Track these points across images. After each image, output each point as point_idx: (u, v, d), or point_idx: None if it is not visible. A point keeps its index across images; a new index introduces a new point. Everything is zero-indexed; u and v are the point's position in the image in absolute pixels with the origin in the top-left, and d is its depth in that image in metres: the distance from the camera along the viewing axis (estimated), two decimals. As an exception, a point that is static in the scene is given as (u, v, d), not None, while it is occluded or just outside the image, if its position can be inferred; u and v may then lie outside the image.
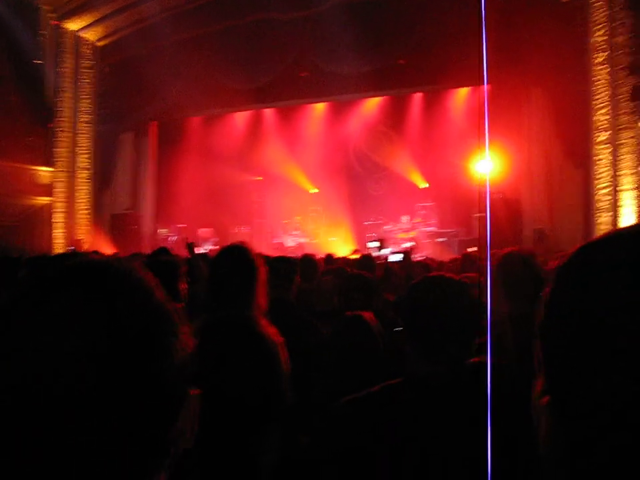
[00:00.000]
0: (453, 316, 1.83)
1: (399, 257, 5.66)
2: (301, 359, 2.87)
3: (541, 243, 12.28)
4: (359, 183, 17.89)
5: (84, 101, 17.10)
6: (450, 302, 1.84)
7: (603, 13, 12.05)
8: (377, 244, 8.25)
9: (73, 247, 13.88)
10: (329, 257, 7.68)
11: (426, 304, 1.89)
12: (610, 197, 12.06)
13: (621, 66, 11.80)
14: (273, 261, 3.98)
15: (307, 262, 4.96)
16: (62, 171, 16.83)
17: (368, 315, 3.02)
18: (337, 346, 2.95)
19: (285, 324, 3.13)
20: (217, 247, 14.91)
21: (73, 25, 16.71)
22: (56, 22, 16.56)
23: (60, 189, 16.78)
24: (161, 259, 3.74)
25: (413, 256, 12.78)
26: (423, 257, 14.17)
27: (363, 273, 3.98)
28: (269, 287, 3.43)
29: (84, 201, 17.18)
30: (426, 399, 1.79)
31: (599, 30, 12.17)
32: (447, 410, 1.75)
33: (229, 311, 2.53)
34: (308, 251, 14.72)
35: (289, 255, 12.05)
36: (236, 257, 2.63)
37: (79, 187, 17.08)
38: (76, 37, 16.92)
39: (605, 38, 12.05)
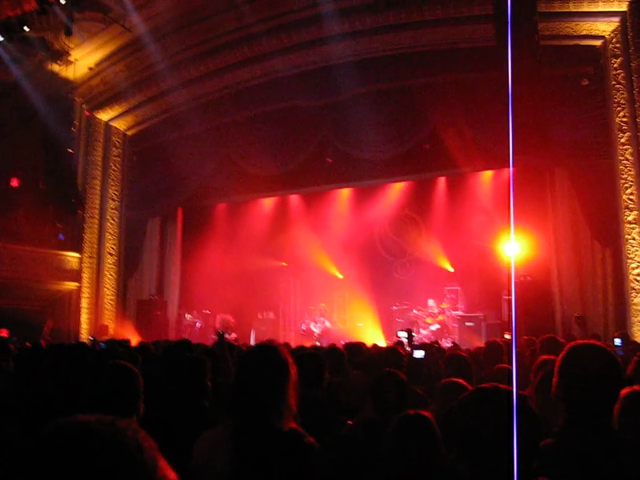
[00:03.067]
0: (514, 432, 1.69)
1: (421, 354, 5.49)
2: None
3: (582, 329, 11.99)
4: (385, 267, 17.79)
5: (112, 187, 17.47)
6: (507, 418, 1.71)
7: (623, 95, 12.15)
8: (405, 334, 8.09)
9: (93, 337, 13.81)
10: (356, 348, 7.46)
11: (483, 420, 1.75)
12: (644, 277, 11.83)
13: (645, 145, 11.81)
14: (302, 356, 3.85)
15: (335, 355, 4.80)
16: (90, 256, 17.01)
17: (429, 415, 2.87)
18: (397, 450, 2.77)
19: (315, 424, 2.98)
20: (233, 335, 14.80)
21: (104, 116, 17.28)
22: (88, 113, 17.13)
23: (87, 274, 16.93)
24: (186, 356, 3.63)
25: (439, 342, 12.57)
26: (449, 342, 13.98)
27: (392, 371, 3.83)
28: (298, 384, 3.29)
29: (110, 286, 17.28)
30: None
31: (620, 111, 12.24)
32: None
33: (259, 417, 2.38)
34: (334, 337, 14.66)
35: (315, 342, 11.89)
36: (266, 359, 2.51)
37: (106, 273, 17.22)
38: (107, 127, 17.47)
39: (627, 119, 12.10)
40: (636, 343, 8.81)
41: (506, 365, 5.13)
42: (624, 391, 2.66)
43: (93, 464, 0.66)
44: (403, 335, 9.20)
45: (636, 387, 2.83)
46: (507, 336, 10.83)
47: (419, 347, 6.34)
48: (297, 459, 2.25)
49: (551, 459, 2.12)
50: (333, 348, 5.26)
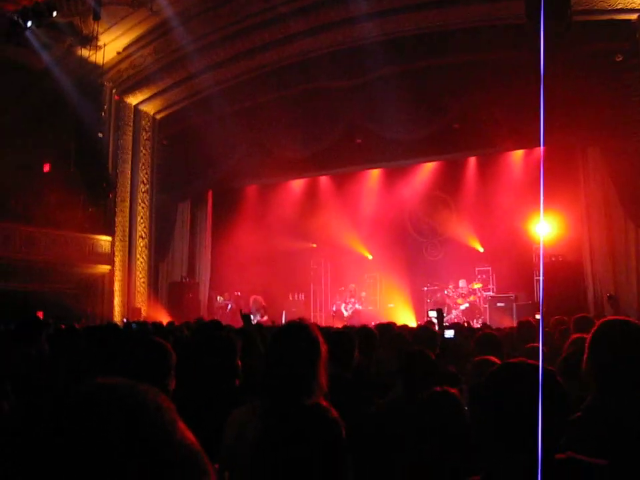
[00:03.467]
0: (539, 407, 1.67)
1: (451, 333, 5.47)
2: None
3: (614, 308, 11.85)
4: (416, 248, 17.74)
5: (142, 171, 17.62)
6: (535, 392, 1.69)
7: (659, 71, 11.88)
8: (435, 314, 8.05)
9: (126, 319, 14.03)
10: (387, 327, 7.45)
11: (510, 395, 1.73)
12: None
13: (681, 123, 11.55)
14: (332, 335, 3.85)
15: (366, 335, 4.79)
16: (121, 239, 17.22)
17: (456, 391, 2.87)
18: (421, 423, 2.78)
19: (344, 403, 2.98)
20: (266, 317, 14.91)
21: (133, 99, 17.40)
22: (117, 97, 17.26)
23: (119, 258, 17.14)
24: (217, 335, 3.66)
25: (470, 322, 12.51)
26: (480, 322, 13.91)
27: (421, 349, 3.81)
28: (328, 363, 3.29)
29: (142, 269, 17.48)
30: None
31: (656, 87, 11.99)
32: None
33: (289, 397, 2.39)
34: (365, 318, 14.67)
35: (346, 324, 11.89)
36: (298, 337, 2.50)
37: (138, 255, 17.42)
38: (136, 111, 17.59)
39: (663, 95, 11.84)
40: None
41: (537, 344, 5.09)
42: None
43: (110, 420, 0.67)
44: (433, 315, 9.18)
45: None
46: (537, 316, 10.73)
47: (449, 327, 6.31)
48: (323, 435, 2.26)
49: (580, 433, 2.10)
50: (363, 328, 5.26)
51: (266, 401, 2.41)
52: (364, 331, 4.97)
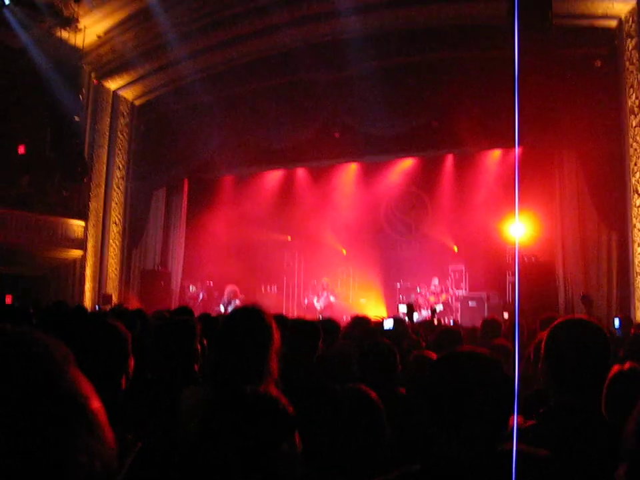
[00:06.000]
0: (483, 395, 1.66)
1: (390, 325, 5.46)
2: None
3: (586, 310, 11.98)
4: (390, 244, 17.78)
5: (119, 157, 17.44)
6: (479, 380, 1.68)
7: (636, 78, 12.00)
8: (405, 308, 8.09)
9: (98, 306, 13.93)
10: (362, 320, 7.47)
11: (452, 382, 1.72)
12: (647, 261, 11.80)
13: (656, 129, 11.71)
14: (295, 324, 3.85)
15: (329, 326, 4.80)
16: (95, 225, 17.04)
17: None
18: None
19: (304, 391, 2.97)
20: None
21: (112, 84, 17.21)
22: (96, 81, 17.05)
23: (92, 243, 16.96)
24: (177, 319, 3.63)
25: (439, 320, 12.55)
26: (451, 321, 14.01)
27: (382, 339, 3.82)
28: (291, 350, 3.28)
29: (115, 255, 17.32)
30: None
31: (632, 93, 12.11)
32: None
33: (235, 382, 2.36)
34: (337, 312, 14.70)
35: (318, 317, 11.90)
36: (250, 321, 2.48)
37: (111, 242, 17.25)
38: (114, 96, 17.39)
39: (639, 101, 11.96)
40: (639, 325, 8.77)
41: (503, 340, 5.12)
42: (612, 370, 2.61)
43: None
44: (403, 309, 9.21)
45: (626, 365, 2.74)
46: (505, 315, 10.83)
47: (389, 318, 6.29)
48: (268, 422, 2.23)
49: (541, 429, 2.10)
50: (328, 320, 5.27)
51: (208, 386, 2.39)
52: (328, 323, 4.97)
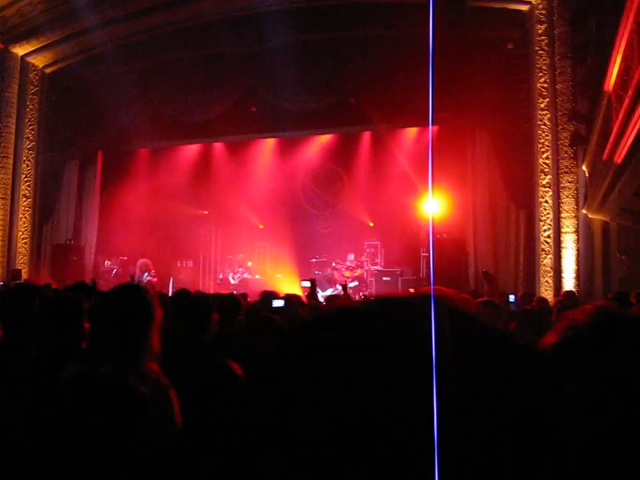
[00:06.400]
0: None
1: (280, 303, 5.50)
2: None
3: (487, 285, 12.40)
4: (307, 220, 17.87)
5: (28, 127, 16.68)
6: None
7: (545, 61, 12.37)
8: (308, 284, 8.18)
9: (2, 282, 13.45)
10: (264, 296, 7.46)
11: None
12: (552, 239, 12.27)
13: (563, 112, 12.12)
14: (186, 300, 3.83)
15: (227, 302, 4.78)
16: (2, 197, 16.33)
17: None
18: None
19: (196, 368, 2.98)
20: (155, 278, 14.71)
21: (20, 50, 16.38)
22: (2, 45, 16.22)
23: (0, 217, 16.26)
24: (62, 295, 3.54)
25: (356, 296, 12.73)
26: (363, 296, 14.24)
27: (268, 315, 3.86)
28: (183, 327, 3.27)
29: (24, 229, 16.65)
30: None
31: (542, 77, 12.48)
32: None
33: (114, 360, 2.34)
34: (252, 287, 14.70)
35: (232, 293, 11.86)
36: (127, 299, 2.46)
37: (20, 216, 16.56)
38: (23, 62, 16.58)
39: (547, 85, 12.36)
40: (541, 299, 9.15)
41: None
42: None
43: None
44: (306, 285, 9.30)
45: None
46: (411, 290, 11.08)
47: (280, 297, 6.34)
48: (112, 400, 2.21)
49: None
50: (229, 295, 5.26)
51: (88, 364, 2.36)
52: (229, 299, 4.96)
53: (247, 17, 14.10)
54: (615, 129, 8.04)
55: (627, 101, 7.26)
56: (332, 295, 9.40)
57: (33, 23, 15.41)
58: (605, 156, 8.87)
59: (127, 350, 2.35)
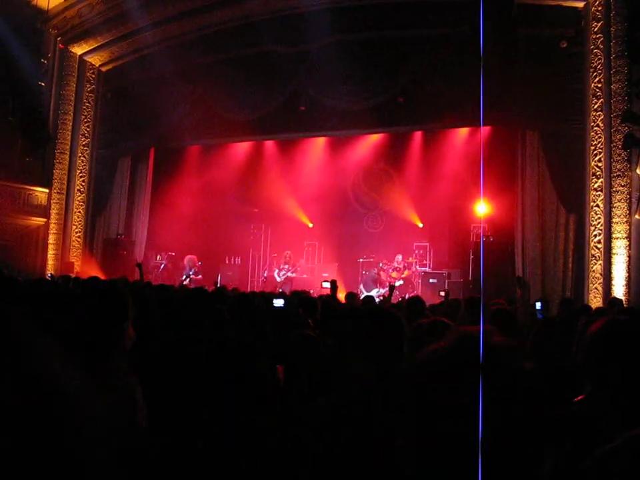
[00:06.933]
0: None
1: (280, 303, 5.43)
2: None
3: (520, 291, 12.11)
4: (356, 219, 17.79)
5: (84, 124, 17.18)
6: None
7: (600, 60, 11.99)
8: (328, 284, 8.13)
9: (51, 274, 13.85)
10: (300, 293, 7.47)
11: None
12: (602, 245, 11.89)
13: (617, 113, 11.71)
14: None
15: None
16: (59, 192, 16.85)
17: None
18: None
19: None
20: (200, 276, 14.90)
21: (78, 49, 16.89)
22: (62, 45, 16.73)
23: (55, 211, 16.80)
24: (54, 291, 3.60)
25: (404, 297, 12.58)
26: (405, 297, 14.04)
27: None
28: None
29: (78, 223, 17.14)
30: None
31: (597, 76, 12.11)
32: None
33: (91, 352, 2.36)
34: (297, 285, 14.74)
35: (278, 291, 11.88)
36: (104, 297, 2.49)
37: (75, 210, 17.06)
38: (80, 61, 17.08)
39: (601, 85, 11.97)
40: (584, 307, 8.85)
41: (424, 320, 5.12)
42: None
43: None
44: (326, 286, 9.25)
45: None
46: (441, 293, 10.91)
47: (279, 296, 6.25)
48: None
49: None
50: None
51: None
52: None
53: (295, 16, 14.11)
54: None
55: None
56: (367, 296, 9.32)
57: (91, 23, 15.92)
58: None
59: (101, 344, 2.38)
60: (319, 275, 16.86)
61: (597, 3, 12.19)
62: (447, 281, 14.93)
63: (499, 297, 10.42)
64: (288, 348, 3.53)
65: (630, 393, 2.02)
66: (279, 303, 5.41)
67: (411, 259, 16.29)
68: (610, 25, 11.89)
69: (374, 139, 17.20)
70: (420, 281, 15.57)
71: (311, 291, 11.57)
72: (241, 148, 18.34)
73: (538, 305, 8.60)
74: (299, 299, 5.59)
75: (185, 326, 3.59)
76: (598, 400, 2.13)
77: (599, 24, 12.14)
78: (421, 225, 16.84)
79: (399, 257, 16.17)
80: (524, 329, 5.25)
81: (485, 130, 13.31)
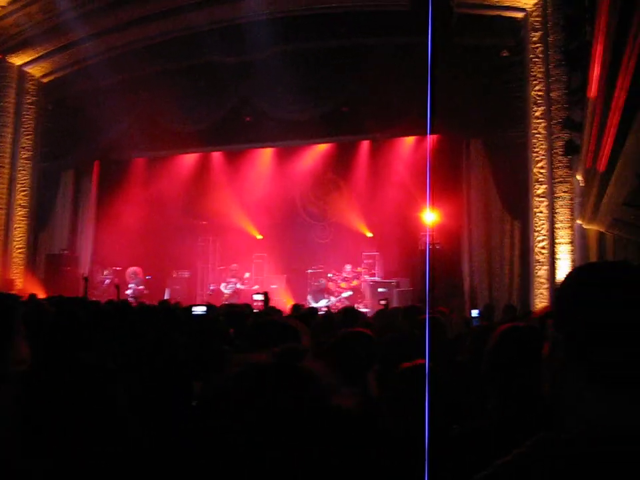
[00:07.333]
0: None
1: (203, 309, 5.36)
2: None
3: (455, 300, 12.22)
4: (305, 230, 17.68)
5: (25, 136, 16.70)
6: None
7: (540, 69, 12.18)
8: (261, 297, 8.09)
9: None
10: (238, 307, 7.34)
11: None
12: (547, 250, 12.02)
13: (557, 120, 11.89)
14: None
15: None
16: (-1, 207, 16.33)
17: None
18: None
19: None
20: (142, 286, 14.66)
21: (17, 60, 16.42)
22: (0, 55, 16.26)
23: (-5, 226, 16.25)
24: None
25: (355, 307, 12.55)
26: (361, 307, 14.04)
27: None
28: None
29: (20, 239, 16.62)
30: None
31: (537, 84, 12.28)
32: None
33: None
34: (245, 298, 14.58)
35: (225, 303, 11.71)
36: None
37: (16, 225, 16.54)
38: (20, 72, 16.61)
39: (542, 93, 12.15)
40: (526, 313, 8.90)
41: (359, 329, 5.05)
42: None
43: None
44: (258, 298, 9.19)
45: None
46: (382, 302, 10.91)
47: (199, 305, 6.17)
48: None
49: None
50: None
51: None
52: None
53: (238, 27, 13.93)
54: (593, 136, 7.83)
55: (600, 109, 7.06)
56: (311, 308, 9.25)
57: (30, 33, 15.46)
58: (588, 163, 8.64)
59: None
60: (267, 287, 16.69)
61: (535, 13, 12.37)
62: (395, 290, 14.93)
63: (446, 304, 10.50)
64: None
65: (520, 403, 1.96)
66: (199, 310, 5.31)
67: (359, 268, 16.26)
68: (548, 34, 12.08)
69: (321, 149, 17.18)
70: (369, 290, 15.54)
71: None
72: (188, 159, 18.13)
73: (474, 313, 8.62)
74: (225, 311, 5.48)
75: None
76: (499, 412, 2.07)
77: (538, 34, 12.32)
78: (369, 235, 16.84)
79: (348, 267, 16.12)
80: (459, 337, 5.22)
81: (431, 139, 13.38)
